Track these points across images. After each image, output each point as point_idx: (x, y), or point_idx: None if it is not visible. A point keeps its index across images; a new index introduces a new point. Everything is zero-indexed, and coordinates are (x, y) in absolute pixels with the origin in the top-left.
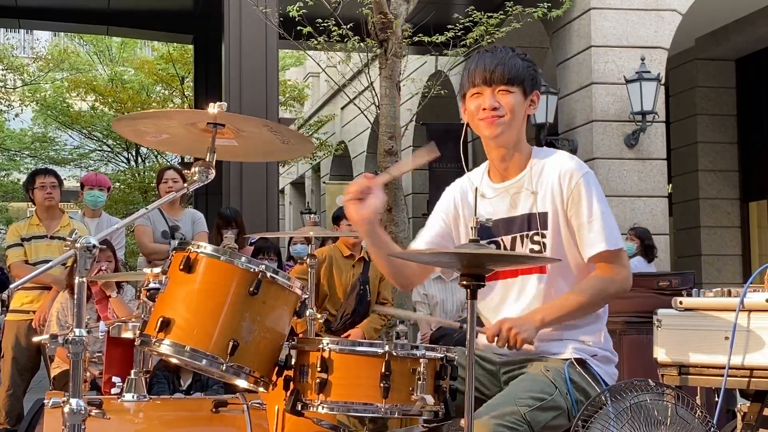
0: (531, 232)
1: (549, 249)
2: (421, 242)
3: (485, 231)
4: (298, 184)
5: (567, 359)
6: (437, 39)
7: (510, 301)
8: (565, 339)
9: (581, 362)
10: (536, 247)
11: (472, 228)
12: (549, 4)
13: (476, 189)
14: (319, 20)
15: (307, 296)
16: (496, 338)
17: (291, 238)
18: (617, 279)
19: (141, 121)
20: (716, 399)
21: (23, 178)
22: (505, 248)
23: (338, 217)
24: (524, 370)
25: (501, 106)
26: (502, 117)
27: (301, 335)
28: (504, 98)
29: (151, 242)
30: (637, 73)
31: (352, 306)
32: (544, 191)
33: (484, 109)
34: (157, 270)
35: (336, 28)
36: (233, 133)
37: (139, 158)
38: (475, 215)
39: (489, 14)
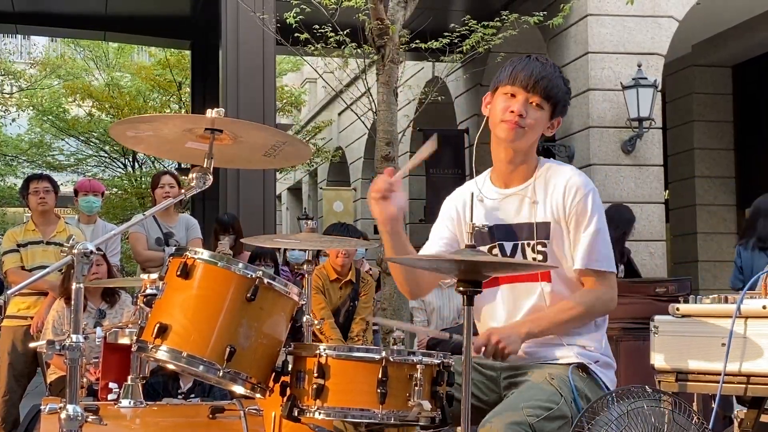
0: (534, 242)
1: (550, 259)
2: (430, 250)
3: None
4: (295, 190)
5: (570, 364)
6: (433, 45)
7: (513, 308)
8: (567, 344)
9: (583, 367)
10: (539, 257)
11: (468, 234)
12: (545, 12)
13: (472, 194)
14: (316, 26)
15: (304, 302)
16: (483, 349)
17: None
18: (603, 298)
19: (139, 125)
20: (713, 405)
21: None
22: (504, 254)
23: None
24: (527, 377)
25: (528, 116)
26: (523, 127)
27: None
28: (533, 111)
29: (145, 249)
30: (633, 79)
31: (342, 323)
32: (547, 202)
33: (512, 111)
34: (154, 276)
35: (333, 34)
36: (231, 140)
37: (136, 164)
38: (471, 221)
39: (484, 23)
